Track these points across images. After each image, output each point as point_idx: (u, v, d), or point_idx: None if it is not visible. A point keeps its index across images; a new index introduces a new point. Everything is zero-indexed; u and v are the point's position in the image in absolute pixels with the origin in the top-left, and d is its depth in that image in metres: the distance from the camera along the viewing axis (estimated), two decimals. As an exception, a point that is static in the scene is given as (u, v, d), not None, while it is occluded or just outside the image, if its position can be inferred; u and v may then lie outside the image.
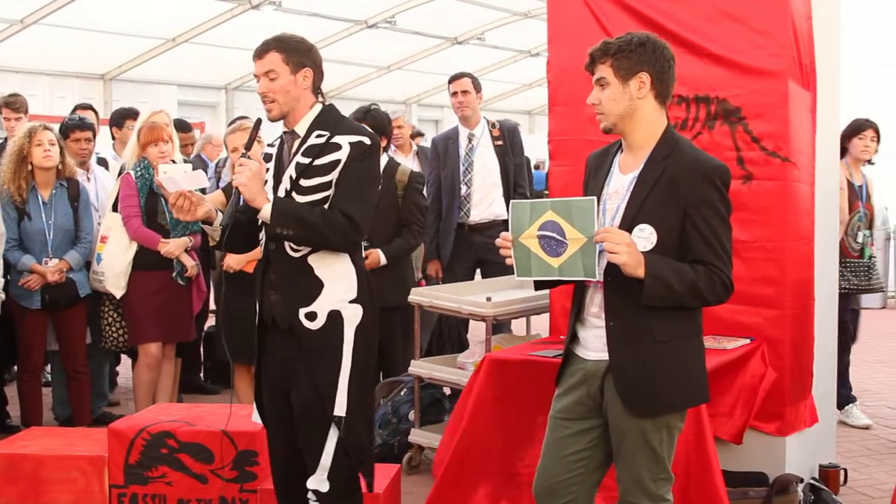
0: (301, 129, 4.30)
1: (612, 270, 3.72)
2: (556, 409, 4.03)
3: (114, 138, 8.80)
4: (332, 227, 4.17)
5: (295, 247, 4.24)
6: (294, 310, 4.25)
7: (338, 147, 4.24)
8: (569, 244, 3.71)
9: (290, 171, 4.25)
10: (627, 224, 3.76)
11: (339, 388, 4.27)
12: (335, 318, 4.28)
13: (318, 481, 4.26)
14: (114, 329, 7.16)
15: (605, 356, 3.84)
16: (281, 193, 4.25)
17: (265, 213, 4.13)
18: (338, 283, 4.29)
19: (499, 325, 7.53)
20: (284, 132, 4.36)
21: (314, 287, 4.25)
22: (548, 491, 4.00)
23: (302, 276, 4.26)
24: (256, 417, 4.54)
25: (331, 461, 4.26)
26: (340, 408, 4.26)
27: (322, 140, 4.26)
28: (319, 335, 4.26)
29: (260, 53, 4.30)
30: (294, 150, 4.29)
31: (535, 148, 13.03)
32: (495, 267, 7.53)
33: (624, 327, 3.78)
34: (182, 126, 9.13)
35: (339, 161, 4.21)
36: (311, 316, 4.25)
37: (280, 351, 4.35)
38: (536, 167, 16.98)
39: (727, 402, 5.40)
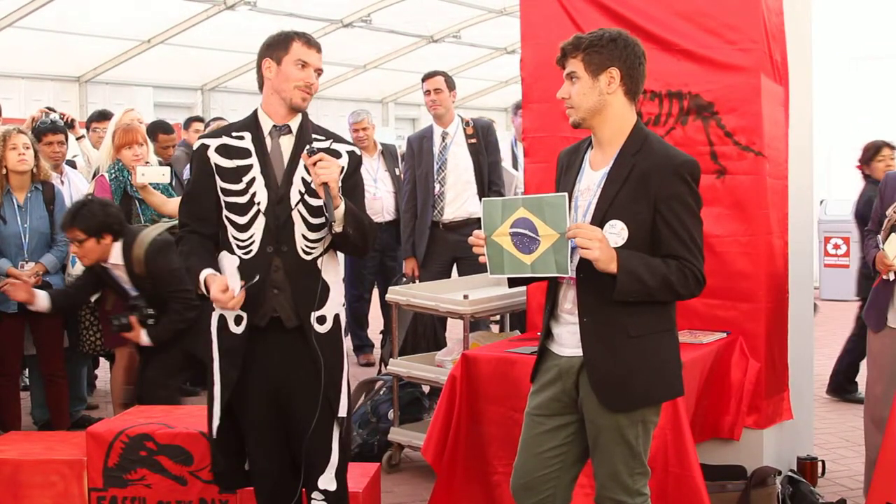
0: (294, 126, 4.32)
1: (585, 266, 3.74)
2: (531, 406, 4.04)
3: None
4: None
5: (308, 249, 4.25)
6: (306, 312, 4.24)
7: (339, 154, 4.29)
8: (541, 241, 3.72)
9: (302, 173, 4.24)
10: (598, 220, 3.77)
11: (342, 390, 4.33)
12: (337, 320, 4.35)
13: (328, 480, 4.29)
14: (91, 332, 7.15)
15: (579, 352, 3.86)
16: (295, 195, 4.23)
17: (340, 211, 4.12)
18: (337, 287, 4.36)
19: (477, 323, 7.54)
20: (274, 126, 4.30)
21: (323, 290, 4.28)
22: (525, 487, 4.01)
23: (311, 279, 4.26)
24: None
25: (337, 460, 4.30)
26: (343, 409, 4.33)
27: (325, 144, 4.28)
28: (328, 338, 4.29)
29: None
30: (292, 147, 4.29)
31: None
32: (471, 264, 7.55)
33: (597, 323, 3.80)
34: (164, 128, 9.12)
35: (342, 168, 4.22)
36: (322, 319, 4.28)
37: (278, 354, 4.29)
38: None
39: (724, 402, 5.45)
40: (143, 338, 6.30)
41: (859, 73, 14.04)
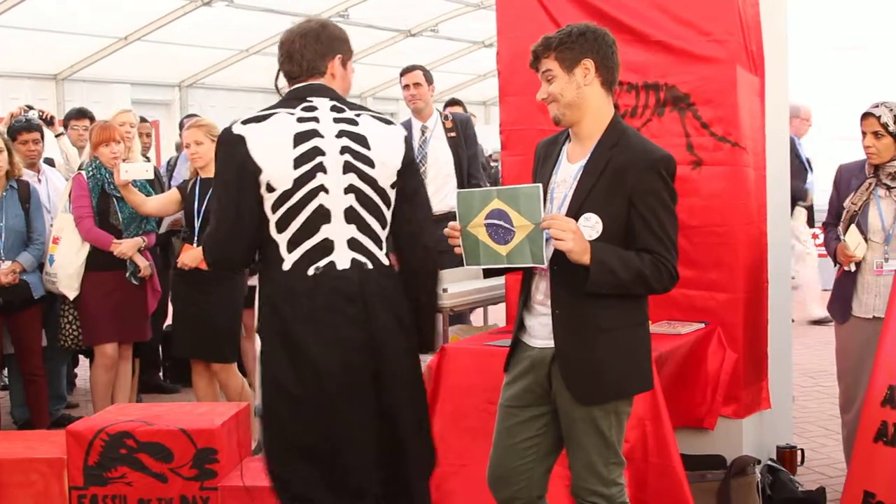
0: None
1: (558, 258, 3.75)
2: (504, 398, 4.06)
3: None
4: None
5: None
6: None
7: None
8: (516, 231, 3.74)
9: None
10: (574, 213, 3.78)
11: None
12: None
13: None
14: (74, 327, 7.11)
15: (551, 343, 3.87)
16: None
17: None
18: None
19: (457, 316, 7.54)
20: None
21: None
22: (499, 479, 4.04)
23: None
24: None
25: None
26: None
27: None
28: None
29: None
30: None
31: (492, 138, 13.03)
32: (452, 258, 7.52)
33: (569, 315, 3.82)
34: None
35: None
36: None
37: None
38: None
39: (699, 392, 5.47)
40: None
41: (836, 64, 14.08)
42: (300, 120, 3.79)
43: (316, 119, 3.81)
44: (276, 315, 3.78)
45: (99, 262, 6.93)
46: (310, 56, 3.92)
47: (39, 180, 7.54)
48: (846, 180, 5.69)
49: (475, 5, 16.55)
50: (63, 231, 6.98)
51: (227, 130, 3.81)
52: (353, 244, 3.79)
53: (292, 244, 3.75)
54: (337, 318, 3.73)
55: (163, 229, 7.65)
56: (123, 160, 6.96)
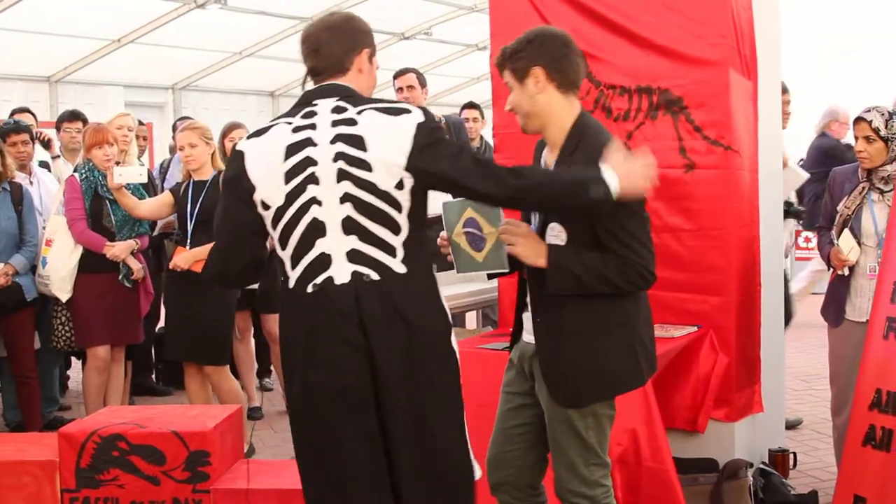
0: None
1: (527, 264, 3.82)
2: (504, 382, 4.16)
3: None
4: None
5: None
6: None
7: None
8: (487, 238, 3.82)
9: None
10: (541, 222, 3.85)
11: None
12: None
13: None
14: (66, 329, 7.10)
15: (534, 339, 3.94)
16: None
17: None
18: None
19: (451, 319, 7.52)
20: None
21: None
22: (492, 460, 4.12)
23: None
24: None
25: None
26: None
27: None
28: None
29: None
30: None
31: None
32: (444, 261, 7.53)
33: (546, 319, 3.86)
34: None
35: None
36: None
37: None
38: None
39: (687, 394, 5.48)
40: None
41: (829, 68, 14.12)
42: (296, 129, 3.57)
43: (312, 126, 3.56)
44: (282, 333, 3.67)
45: (92, 265, 6.93)
46: (338, 50, 3.69)
47: (31, 182, 7.53)
48: (840, 184, 5.70)
49: (469, 8, 16.54)
50: (56, 233, 6.98)
51: (234, 146, 3.72)
52: (354, 256, 3.51)
53: (294, 261, 3.58)
54: (331, 338, 3.50)
55: (155, 232, 7.64)
56: (118, 163, 6.96)
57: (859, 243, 5.48)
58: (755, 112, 5.71)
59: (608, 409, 3.94)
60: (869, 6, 13.93)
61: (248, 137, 3.70)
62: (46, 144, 8.25)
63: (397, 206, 3.52)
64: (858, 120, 5.50)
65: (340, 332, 3.49)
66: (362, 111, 3.58)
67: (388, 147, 3.51)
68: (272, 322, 7.93)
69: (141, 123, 9.34)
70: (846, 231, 5.48)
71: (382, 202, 3.51)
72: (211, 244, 6.49)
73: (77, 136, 8.23)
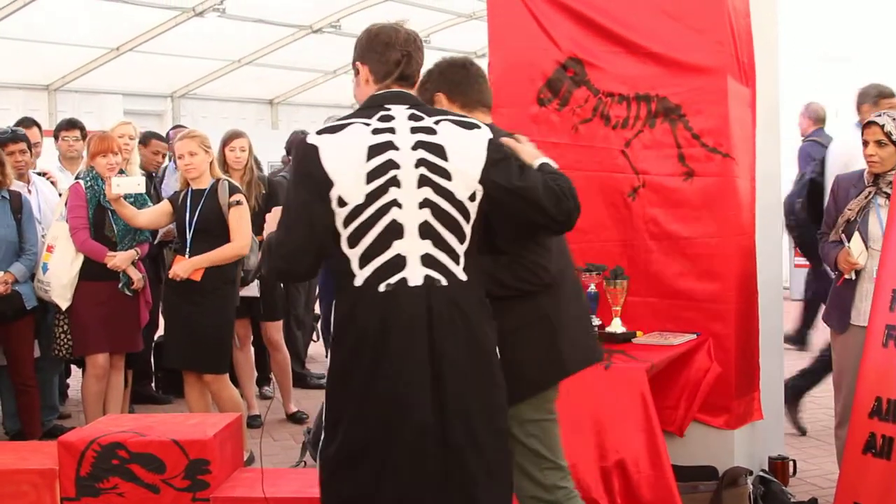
0: None
1: None
2: None
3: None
4: None
5: None
6: None
7: None
8: None
9: None
10: None
11: None
12: None
13: None
14: (68, 337, 7.09)
15: None
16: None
17: None
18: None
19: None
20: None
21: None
22: None
23: None
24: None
25: None
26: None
27: None
28: None
29: None
30: None
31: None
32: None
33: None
34: (160, 136, 9.17)
35: None
36: None
37: None
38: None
39: (673, 396, 5.48)
40: None
41: (827, 75, 14.13)
42: (375, 131, 3.61)
43: (392, 130, 3.61)
44: (345, 333, 3.61)
45: (92, 272, 6.92)
46: (420, 62, 3.88)
47: (30, 191, 7.52)
48: (844, 190, 5.63)
49: (467, 16, 16.59)
50: (58, 240, 6.96)
51: (302, 140, 3.69)
52: (428, 260, 3.54)
53: (364, 260, 3.55)
54: (401, 337, 3.50)
55: (155, 241, 7.64)
56: (121, 172, 6.97)
57: (867, 247, 5.44)
58: (753, 119, 5.72)
59: (534, 412, 3.94)
60: (861, 14, 13.95)
61: (320, 133, 3.69)
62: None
63: (467, 215, 3.60)
64: (870, 124, 5.44)
65: (412, 332, 3.51)
66: (439, 122, 3.66)
67: (467, 158, 3.61)
68: (272, 330, 7.94)
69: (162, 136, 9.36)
70: (856, 234, 5.43)
71: (456, 210, 3.58)
72: (210, 253, 6.47)
73: (75, 145, 8.24)
